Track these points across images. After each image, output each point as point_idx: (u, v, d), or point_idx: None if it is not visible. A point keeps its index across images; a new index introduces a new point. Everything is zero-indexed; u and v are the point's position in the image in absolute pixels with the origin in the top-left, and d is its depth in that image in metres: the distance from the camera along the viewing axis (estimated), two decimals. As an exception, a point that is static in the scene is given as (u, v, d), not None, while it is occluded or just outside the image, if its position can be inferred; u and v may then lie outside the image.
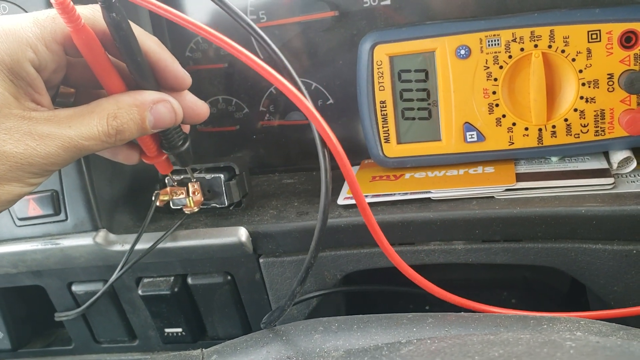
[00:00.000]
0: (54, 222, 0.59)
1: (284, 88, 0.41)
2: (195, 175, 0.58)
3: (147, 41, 0.44)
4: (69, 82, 0.47)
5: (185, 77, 0.48)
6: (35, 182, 0.43)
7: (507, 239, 0.52)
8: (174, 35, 0.68)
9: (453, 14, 0.60)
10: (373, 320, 0.43)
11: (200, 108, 0.50)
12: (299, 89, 0.43)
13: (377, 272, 0.56)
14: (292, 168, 0.69)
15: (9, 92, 0.40)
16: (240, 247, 0.56)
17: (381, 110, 0.58)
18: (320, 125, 0.41)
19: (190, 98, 0.50)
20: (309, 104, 0.41)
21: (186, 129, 0.54)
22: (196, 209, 0.57)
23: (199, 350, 0.44)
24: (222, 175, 0.58)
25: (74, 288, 0.63)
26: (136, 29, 0.43)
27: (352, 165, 0.65)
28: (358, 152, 0.66)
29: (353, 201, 0.56)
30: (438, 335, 0.39)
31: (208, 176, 0.58)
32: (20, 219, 0.59)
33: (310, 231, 0.55)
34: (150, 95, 0.45)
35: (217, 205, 0.58)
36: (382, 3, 0.62)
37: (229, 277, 0.59)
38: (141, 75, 0.45)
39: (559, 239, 0.51)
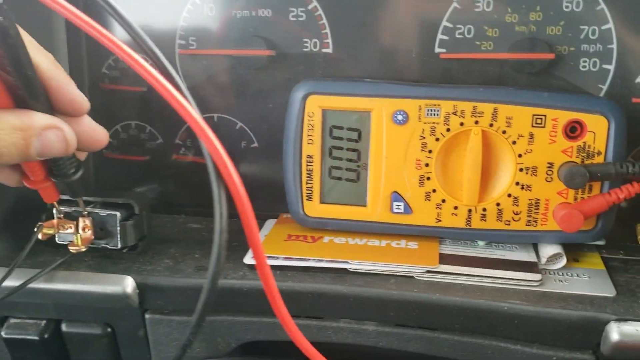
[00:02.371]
0: None
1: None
2: (88, 209, 0.51)
3: (39, 56, 0.38)
4: None
5: (83, 102, 0.42)
6: None
7: (422, 325, 0.47)
8: (92, 48, 0.62)
9: (394, 75, 0.56)
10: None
11: (99, 134, 0.45)
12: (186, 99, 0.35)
13: (291, 345, 0.51)
14: (202, 211, 0.62)
15: None
16: (124, 299, 0.49)
17: (307, 165, 0.52)
18: (219, 156, 0.33)
19: (87, 122, 0.44)
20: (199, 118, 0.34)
21: (82, 156, 0.47)
22: (83, 248, 0.50)
23: None
24: (118, 213, 0.51)
25: None
26: (26, 40, 0.36)
27: (270, 217, 0.60)
28: (278, 203, 0.60)
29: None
30: None
31: (102, 212, 0.51)
32: None
33: (208, 290, 0.49)
34: (40, 120, 0.38)
35: (109, 247, 0.51)
36: (323, 50, 0.57)
37: (109, 330, 0.52)
38: (30, 92, 0.38)
39: (476, 333, 0.46)
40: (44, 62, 0.39)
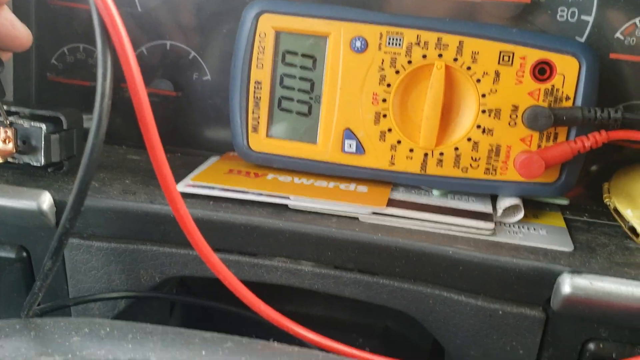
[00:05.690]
0: None
1: None
2: (11, 119, 0.46)
3: None
4: None
5: None
6: None
7: (361, 269, 0.43)
8: None
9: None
10: (158, 332, 0.33)
11: (19, 31, 0.41)
12: None
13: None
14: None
15: None
16: (38, 216, 0.44)
17: (255, 92, 0.48)
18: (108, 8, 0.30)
19: (6, 15, 0.40)
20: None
21: (5, 56, 0.43)
22: (0, 160, 0.46)
23: None
24: (44, 126, 0.46)
25: None
26: None
27: (215, 155, 0.56)
28: (229, 143, 0.56)
29: (199, 190, 0.46)
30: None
31: (27, 124, 0.46)
32: None
33: (132, 214, 0.45)
34: None
35: (31, 163, 0.47)
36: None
37: (24, 254, 0.47)
38: None
39: (418, 280, 0.42)
40: None
